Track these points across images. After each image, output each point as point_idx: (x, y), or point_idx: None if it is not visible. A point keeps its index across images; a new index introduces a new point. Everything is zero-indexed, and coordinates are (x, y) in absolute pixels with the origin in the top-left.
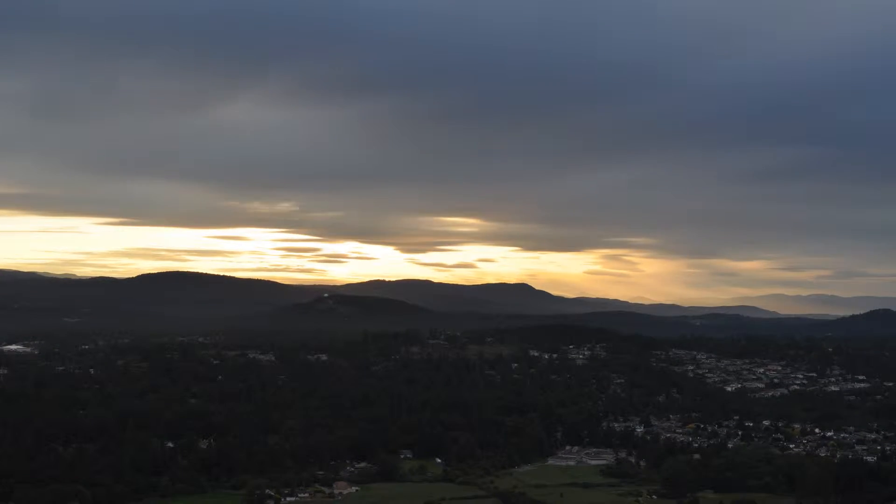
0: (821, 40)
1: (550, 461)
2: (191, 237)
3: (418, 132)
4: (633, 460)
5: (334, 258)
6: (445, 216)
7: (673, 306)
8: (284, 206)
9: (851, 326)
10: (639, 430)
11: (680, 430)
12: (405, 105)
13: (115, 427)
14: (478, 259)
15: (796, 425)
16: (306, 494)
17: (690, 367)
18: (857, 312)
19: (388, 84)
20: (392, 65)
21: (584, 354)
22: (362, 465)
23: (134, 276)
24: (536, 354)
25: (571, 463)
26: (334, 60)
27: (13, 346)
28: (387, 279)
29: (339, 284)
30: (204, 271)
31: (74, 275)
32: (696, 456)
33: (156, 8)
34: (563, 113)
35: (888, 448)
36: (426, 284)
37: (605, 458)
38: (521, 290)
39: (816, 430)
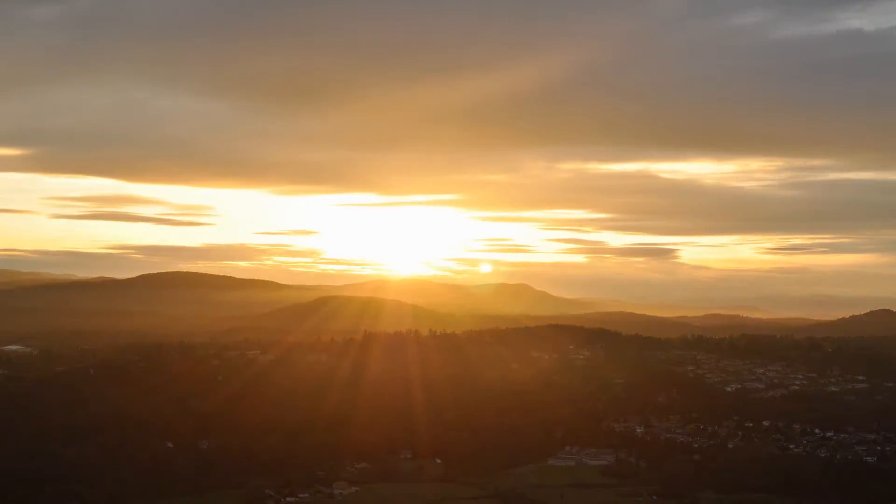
0: None
1: (550, 461)
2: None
3: None
4: (633, 461)
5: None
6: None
7: (673, 306)
8: None
9: (851, 326)
10: (639, 430)
11: (680, 431)
12: None
13: (115, 427)
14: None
15: (796, 426)
16: (306, 494)
17: (690, 368)
18: (857, 312)
19: None
20: None
21: (584, 355)
22: (362, 465)
23: (134, 276)
24: (536, 355)
25: (571, 463)
26: None
27: (13, 347)
28: (387, 279)
29: (339, 284)
30: (204, 271)
31: (74, 275)
32: (696, 456)
33: None
34: None
35: (888, 448)
36: (426, 284)
37: (605, 458)
38: (522, 290)
39: (816, 431)
